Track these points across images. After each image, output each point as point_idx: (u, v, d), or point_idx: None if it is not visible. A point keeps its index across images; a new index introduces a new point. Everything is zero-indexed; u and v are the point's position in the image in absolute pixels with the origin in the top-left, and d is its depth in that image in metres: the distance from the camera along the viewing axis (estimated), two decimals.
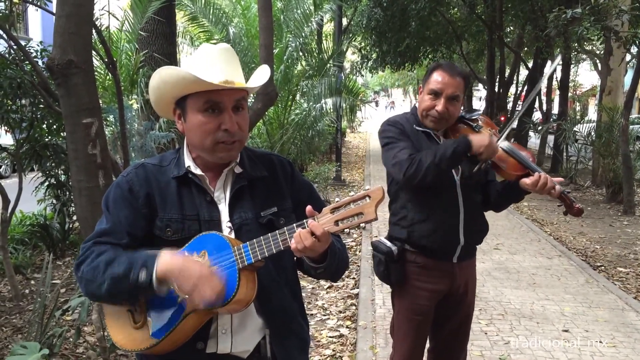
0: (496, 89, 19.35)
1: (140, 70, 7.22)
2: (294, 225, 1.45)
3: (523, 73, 22.40)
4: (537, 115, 19.54)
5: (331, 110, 12.16)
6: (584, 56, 24.12)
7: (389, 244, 2.56)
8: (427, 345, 2.84)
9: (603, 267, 6.43)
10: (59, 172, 6.25)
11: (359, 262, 6.39)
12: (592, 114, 20.94)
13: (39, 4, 5.18)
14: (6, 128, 5.57)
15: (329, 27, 20.70)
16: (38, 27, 20.99)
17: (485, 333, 4.40)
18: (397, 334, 2.72)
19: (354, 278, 5.85)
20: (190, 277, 1.37)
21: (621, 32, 8.96)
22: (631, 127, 11.33)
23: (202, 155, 1.60)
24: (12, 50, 5.12)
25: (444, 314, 2.69)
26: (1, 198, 4.95)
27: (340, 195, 11.39)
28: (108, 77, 7.48)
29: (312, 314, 4.86)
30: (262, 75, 1.64)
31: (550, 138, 15.68)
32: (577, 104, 29.17)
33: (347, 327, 4.59)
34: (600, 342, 4.26)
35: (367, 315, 4.72)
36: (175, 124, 1.66)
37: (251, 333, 1.60)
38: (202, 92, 1.51)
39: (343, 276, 5.73)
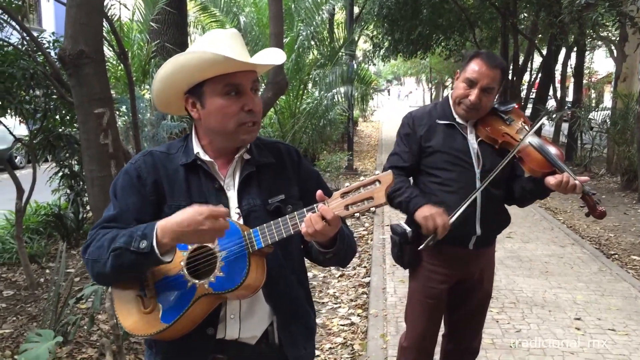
0: (510, 77, 19.19)
1: (152, 60, 7.25)
2: (304, 210, 1.45)
3: (537, 60, 22.16)
4: (551, 103, 19.33)
5: (343, 99, 12.14)
6: (600, 43, 23.80)
7: (405, 226, 2.57)
8: (442, 330, 2.86)
9: (617, 256, 6.40)
10: (73, 162, 6.30)
11: (371, 251, 6.39)
12: (608, 101, 20.68)
13: None
14: (20, 119, 5.62)
15: (341, 16, 20.58)
16: (51, 18, 21.08)
17: (497, 321, 4.39)
18: (410, 317, 2.76)
19: (365, 267, 5.86)
20: (191, 220, 1.36)
21: (636, 18, 8.84)
22: None
23: (217, 140, 1.60)
24: (24, 42, 5.15)
25: (458, 300, 2.71)
26: (16, 188, 5.00)
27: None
28: (120, 68, 7.50)
29: (323, 303, 4.88)
30: (277, 55, 1.62)
31: (565, 126, 15.52)
32: (593, 91, 28.83)
33: (358, 315, 4.61)
34: (613, 330, 4.24)
35: (379, 304, 4.73)
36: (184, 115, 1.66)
37: (259, 319, 1.61)
38: (220, 76, 1.51)
39: (354, 265, 5.78)
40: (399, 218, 2.80)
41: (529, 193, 2.54)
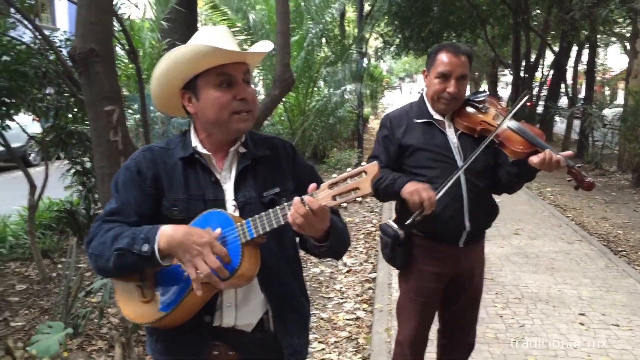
0: (522, 74, 19.10)
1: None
2: (294, 199, 1.50)
3: (549, 57, 22.03)
4: (563, 100, 19.22)
5: (352, 96, 12.16)
6: (614, 39, 23.60)
7: (396, 227, 2.56)
8: (438, 325, 2.90)
9: (624, 252, 6.39)
10: (85, 159, 6.39)
11: (377, 247, 6.43)
12: (621, 98, 20.52)
13: None
14: (34, 116, 5.71)
15: (352, 14, 20.59)
16: (65, 17, 21.27)
17: (501, 316, 4.43)
18: (402, 315, 2.78)
19: (372, 262, 5.92)
20: (194, 244, 1.43)
21: None
22: None
23: (214, 132, 1.67)
24: (37, 40, 5.25)
25: (451, 297, 2.73)
26: (29, 185, 5.10)
27: None
28: (131, 66, 7.59)
29: (329, 297, 4.94)
30: (264, 45, 1.70)
31: (577, 123, 15.44)
32: (607, 88, 28.58)
33: (363, 310, 4.66)
34: (617, 325, 4.26)
35: (384, 299, 4.79)
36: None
37: (254, 307, 1.67)
38: (213, 69, 1.59)
39: (361, 261, 5.83)
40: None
41: (514, 177, 2.54)
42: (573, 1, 9.32)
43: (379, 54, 24.36)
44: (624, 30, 19.14)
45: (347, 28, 18.07)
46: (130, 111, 6.93)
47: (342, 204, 1.44)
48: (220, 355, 1.67)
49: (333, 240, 1.61)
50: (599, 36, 14.88)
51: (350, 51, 12.84)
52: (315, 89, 12.43)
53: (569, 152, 2.40)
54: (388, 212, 8.04)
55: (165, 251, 1.47)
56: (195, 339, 1.64)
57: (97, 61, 3.33)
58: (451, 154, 2.53)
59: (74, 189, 6.74)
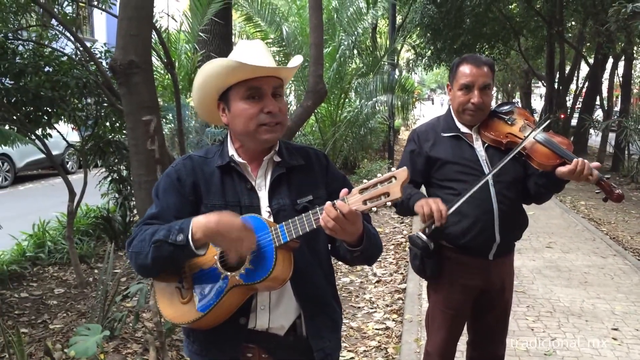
0: (556, 86, 18.87)
1: (198, 70, 7.47)
2: (326, 204, 1.54)
3: (584, 69, 21.72)
4: (598, 113, 18.92)
5: (384, 107, 12.19)
6: None
7: (425, 238, 2.52)
8: (467, 337, 2.90)
9: None
10: (121, 167, 6.55)
11: (408, 258, 6.43)
12: None
13: (103, 7, 5.46)
14: (73, 126, 5.89)
15: (384, 26, 20.63)
16: (103, 29, 21.82)
17: (532, 329, 4.39)
18: (432, 326, 2.78)
19: (402, 273, 5.91)
20: (225, 225, 1.51)
21: None
22: None
23: (245, 142, 1.74)
24: (78, 52, 5.42)
25: (481, 310, 2.72)
26: (68, 192, 5.25)
27: None
28: (167, 77, 7.77)
29: (359, 307, 4.96)
30: (294, 61, 1.78)
31: (612, 136, 15.17)
32: None
33: (393, 320, 4.67)
34: None
35: (414, 309, 4.79)
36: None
37: (287, 310, 1.72)
38: (243, 82, 1.66)
39: (391, 271, 5.83)
40: None
41: (543, 187, 2.52)
42: (609, 13, 9.19)
43: (410, 65, 24.35)
44: None
45: (379, 40, 18.09)
46: (165, 121, 7.08)
47: (372, 208, 1.48)
48: (254, 358, 1.73)
49: (366, 244, 1.65)
50: (635, 48, 14.61)
51: (382, 63, 12.89)
52: (347, 100, 12.49)
53: (596, 164, 2.39)
54: (418, 223, 8.01)
55: (201, 240, 1.54)
56: (230, 340, 1.70)
57: (136, 72, 3.44)
58: (480, 166, 2.53)
59: (110, 196, 6.90)
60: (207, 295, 1.62)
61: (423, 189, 2.74)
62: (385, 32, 17.22)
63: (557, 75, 18.83)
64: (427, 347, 2.84)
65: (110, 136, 6.04)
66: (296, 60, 1.78)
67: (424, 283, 5.39)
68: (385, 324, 4.59)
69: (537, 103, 36.86)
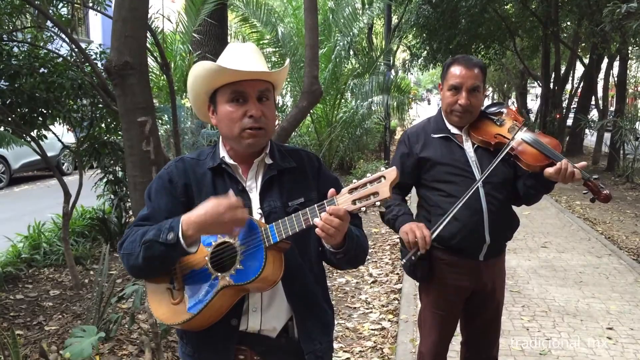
0: (551, 86, 18.93)
1: None
2: (315, 205, 1.56)
3: (579, 69, 21.77)
4: (593, 113, 18.97)
5: (379, 108, 12.20)
6: None
7: (414, 259, 2.51)
8: (460, 338, 2.91)
9: None
10: (117, 168, 6.55)
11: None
12: None
13: (98, 8, 5.46)
14: (68, 127, 5.88)
15: (380, 27, 20.67)
16: (99, 30, 21.76)
17: (527, 329, 4.40)
18: (424, 327, 2.79)
19: (398, 274, 5.92)
20: (212, 212, 1.50)
21: None
22: None
23: (233, 145, 1.74)
24: (73, 53, 5.42)
25: (473, 310, 2.73)
26: (63, 193, 5.24)
27: None
28: (162, 78, 7.76)
29: (355, 308, 4.97)
30: (281, 67, 1.79)
31: (607, 136, 15.21)
32: (639, 101, 28.09)
33: (389, 320, 4.68)
34: None
35: (409, 310, 4.79)
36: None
37: (279, 312, 1.72)
38: (228, 85, 1.67)
39: (387, 272, 5.84)
40: None
41: (531, 188, 2.52)
42: (604, 13, 9.20)
43: (406, 66, 24.39)
44: None
45: (374, 40, 18.12)
46: (160, 122, 7.08)
47: (361, 208, 1.49)
48: None
49: (349, 245, 1.65)
50: (630, 48, 14.63)
51: (378, 63, 12.90)
52: (343, 100, 12.50)
53: (582, 164, 2.40)
54: None
55: (193, 237, 1.54)
56: (222, 342, 1.70)
57: (131, 73, 3.44)
58: (469, 167, 2.53)
59: (106, 197, 6.90)
60: (198, 296, 1.62)
61: (413, 190, 2.77)
62: (381, 33, 17.24)
63: (553, 76, 18.90)
64: (420, 348, 2.85)
65: (105, 137, 6.03)
66: (285, 67, 1.79)
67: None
68: (381, 324, 4.60)
69: (533, 103, 36.94)
